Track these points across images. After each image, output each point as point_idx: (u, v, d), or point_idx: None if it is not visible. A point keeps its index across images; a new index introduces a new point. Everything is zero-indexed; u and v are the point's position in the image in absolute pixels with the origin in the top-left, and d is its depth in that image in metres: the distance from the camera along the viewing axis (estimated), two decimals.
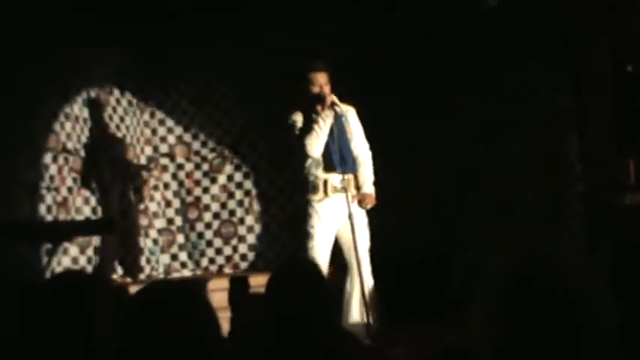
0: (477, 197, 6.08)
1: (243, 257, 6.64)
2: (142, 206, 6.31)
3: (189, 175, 6.66)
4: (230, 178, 6.69)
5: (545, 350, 1.22)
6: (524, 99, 5.82)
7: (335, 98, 4.78)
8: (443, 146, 6.26)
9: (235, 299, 4.48)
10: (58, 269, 5.26)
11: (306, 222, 4.88)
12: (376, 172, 5.04)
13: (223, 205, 6.66)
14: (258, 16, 6.17)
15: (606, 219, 5.27)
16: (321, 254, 4.80)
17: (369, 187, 4.99)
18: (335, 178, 4.84)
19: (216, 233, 6.64)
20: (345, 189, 4.77)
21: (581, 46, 5.55)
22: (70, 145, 5.76)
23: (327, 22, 6.07)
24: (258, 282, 4.87)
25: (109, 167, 6.11)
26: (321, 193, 4.85)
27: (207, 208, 6.65)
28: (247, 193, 6.69)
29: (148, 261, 6.24)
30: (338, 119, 4.83)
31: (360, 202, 4.92)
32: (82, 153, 5.92)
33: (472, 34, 5.89)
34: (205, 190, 6.66)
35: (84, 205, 5.92)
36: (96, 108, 6.08)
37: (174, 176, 6.64)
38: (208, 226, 6.64)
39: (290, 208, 6.62)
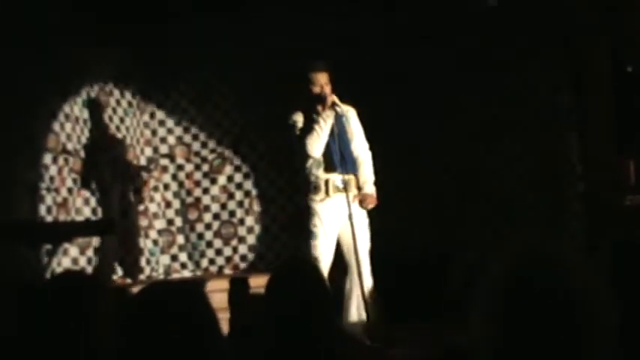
0: (477, 197, 6.08)
1: (243, 258, 6.64)
2: (141, 207, 6.31)
3: (189, 175, 6.66)
4: (230, 178, 6.70)
5: (546, 350, 1.22)
6: (524, 99, 5.82)
7: (335, 98, 4.78)
8: (443, 146, 6.26)
9: (235, 300, 4.48)
10: (58, 270, 5.25)
11: (308, 221, 4.88)
12: (376, 172, 5.03)
13: (223, 206, 6.66)
14: (258, 16, 6.17)
15: (606, 219, 5.27)
16: (324, 253, 4.80)
17: (369, 188, 4.98)
18: (336, 178, 4.84)
19: (216, 234, 6.64)
20: (346, 189, 4.77)
21: (581, 46, 5.55)
22: (70, 146, 5.75)
23: (327, 22, 6.07)
24: (258, 283, 4.87)
25: (109, 168, 6.11)
26: (322, 193, 4.85)
27: (207, 208, 6.65)
28: (247, 193, 6.69)
29: (148, 262, 6.24)
30: (338, 119, 4.83)
31: (361, 203, 4.92)
32: (82, 154, 5.91)
33: (472, 34, 5.89)
34: (205, 191, 6.66)
35: (84, 206, 5.92)
36: (96, 109, 6.08)
37: (174, 177, 6.64)
38: (208, 226, 6.64)
39: (290, 208, 6.62)
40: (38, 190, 5.43)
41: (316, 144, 4.79)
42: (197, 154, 6.68)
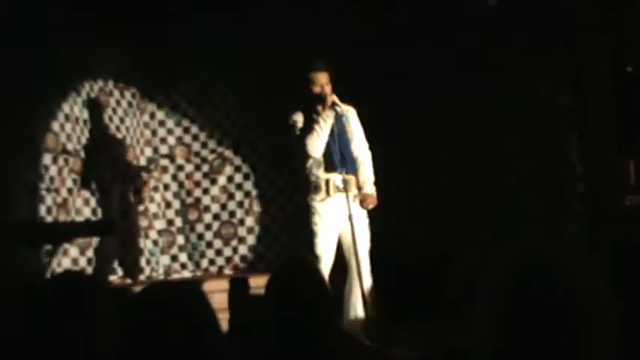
0: (477, 197, 6.08)
1: (243, 258, 6.64)
2: (141, 207, 6.30)
3: (189, 176, 6.66)
4: (230, 179, 6.70)
5: (546, 350, 1.22)
6: (524, 99, 5.82)
7: (335, 98, 4.78)
8: (443, 146, 6.26)
9: (235, 300, 4.48)
10: (58, 270, 5.25)
11: (309, 221, 4.88)
12: (376, 172, 5.03)
13: (223, 207, 6.67)
14: (258, 16, 6.17)
15: (606, 219, 5.27)
16: (325, 252, 4.80)
17: (369, 188, 4.98)
18: (336, 178, 4.84)
19: (216, 234, 6.64)
20: (346, 189, 4.77)
21: (581, 46, 5.55)
22: (70, 146, 5.75)
23: (327, 22, 6.07)
24: (258, 283, 4.87)
25: (109, 168, 6.11)
26: (323, 193, 4.85)
27: (207, 209, 6.65)
28: (247, 194, 6.69)
29: (148, 262, 6.24)
30: (339, 119, 4.83)
31: (362, 203, 4.92)
32: (82, 154, 5.91)
33: (472, 34, 5.89)
34: (205, 192, 6.67)
35: (84, 206, 5.91)
36: (96, 109, 6.08)
37: (174, 177, 6.64)
38: (208, 227, 6.64)
39: (290, 208, 6.62)
40: (38, 191, 5.43)
41: (316, 144, 4.79)
42: (197, 154, 6.68)
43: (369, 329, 4.67)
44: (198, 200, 6.64)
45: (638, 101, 5.32)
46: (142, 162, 6.44)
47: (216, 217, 6.65)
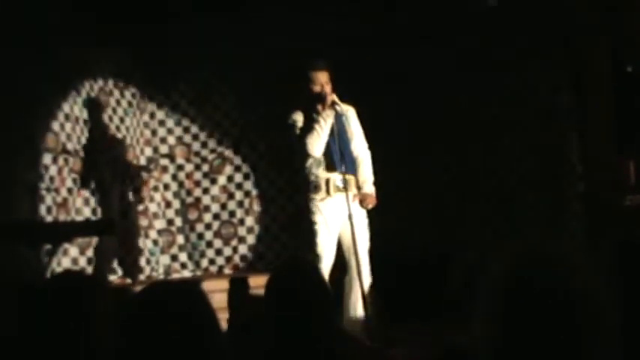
0: (477, 197, 6.08)
1: (243, 258, 6.64)
2: (141, 207, 6.30)
3: (189, 175, 6.66)
4: (230, 178, 6.70)
5: (546, 350, 1.22)
6: (524, 99, 5.82)
7: (336, 97, 4.78)
8: (443, 146, 6.26)
9: (234, 300, 4.48)
10: (58, 270, 5.25)
11: (309, 221, 4.87)
12: (376, 172, 5.03)
13: (223, 206, 6.67)
14: (258, 16, 6.17)
15: (606, 219, 5.26)
16: (325, 251, 4.80)
17: (369, 187, 4.98)
18: (336, 178, 4.84)
19: (216, 234, 6.64)
20: (346, 188, 4.77)
21: (581, 46, 5.55)
22: (70, 146, 5.75)
23: (327, 22, 6.07)
24: (257, 283, 4.87)
25: (108, 168, 6.11)
26: (323, 193, 4.84)
27: (207, 208, 6.65)
28: (247, 194, 6.70)
29: (148, 262, 6.24)
30: (338, 119, 4.83)
31: (361, 202, 4.92)
32: (82, 154, 5.91)
33: (472, 34, 5.89)
34: (205, 191, 6.67)
35: (84, 206, 5.91)
36: (96, 109, 6.08)
37: (174, 177, 6.64)
38: (208, 226, 6.64)
39: (290, 208, 6.62)
40: (38, 190, 5.43)
41: (317, 143, 4.79)
42: (197, 154, 6.69)
43: (369, 329, 4.67)
44: (198, 200, 6.65)
45: (638, 101, 5.32)
46: (142, 162, 6.45)
47: (216, 216, 6.65)
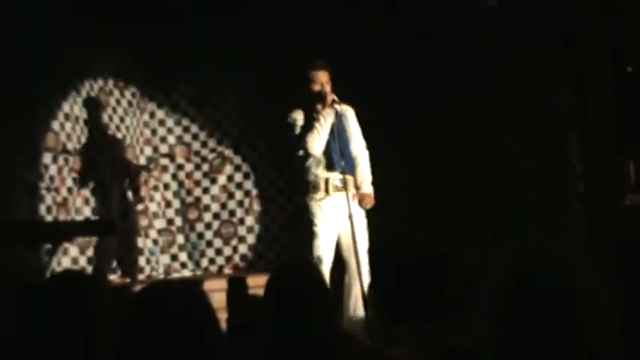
0: (477, 197, 6.08)
1: (243, 258, 6.64)
2: (141, 207, 6.30)
3: (189, 175, 6.66)
4: (230, 178, 6.70)
5: (546, 350, 1.22)
6: (524, 99, 5.82)
7: (335, 97, 4.79)
8: (443, 146, 6.26)
9: (233, 299, 4.48)
10: (58, 269, 5.25)
11: (309, 221, 4.87)
12: (376, 172, 5.03)
13: (223, 206, 6.67)
14: (258, 16, 6.17)
15: (606, 219, 5.26)
16: (325, 252, 4.80)
17: (367, 187, 4.99)
18: (336, 177, 4.84)
19: (216, 234, 6.64)
20: (345, 188, 4.77)
21: (581, 46, 5.54)
22: (70, 146, 5.75)
23: (327, 22, 6.07)
24: (257, 282, 4.88)
25: (108, 168, 6.11)
26: (322, 192, 4.84)
27: (207, 208, 6.65)
28: (247, 193, 6.70)
29: (148, 261, 6.24)
30: (338, 118, 4.83)
31: (360, 202, 4.92)
32: (82, 153, 5.91)
33: (472, 34, 5.89)
34: (205, 191, 6.67)
35: (84, 206, 5.91)
36: (96, 108, 6.08)
37: (174, 177, 6.64)
38: (208, 226, 6.64)
39: (290, 208, 6.62)
40: (38, 190, 5.43)
41: (317, 142, 4.79)
42: (197, 153, 6.69)
43: (369, 329, 4.67)
44: (198, 199, 6.65)
45: (638, 101, 5.32)
46: (142, 161, 6.45)
47: (216, 216, 6.65)
